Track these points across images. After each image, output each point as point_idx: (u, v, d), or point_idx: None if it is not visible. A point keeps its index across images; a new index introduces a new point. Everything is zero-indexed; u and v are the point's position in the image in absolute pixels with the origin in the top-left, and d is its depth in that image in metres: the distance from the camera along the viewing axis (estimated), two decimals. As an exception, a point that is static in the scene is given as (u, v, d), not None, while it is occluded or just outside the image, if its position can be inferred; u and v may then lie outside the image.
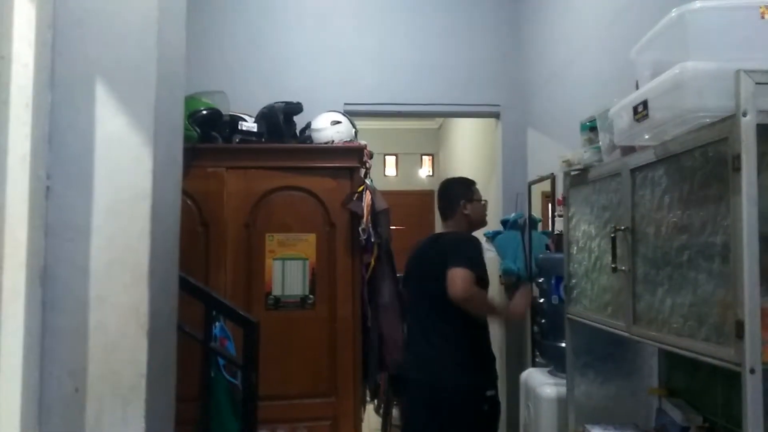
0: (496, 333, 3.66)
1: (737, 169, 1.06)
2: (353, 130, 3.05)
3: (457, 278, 2.43)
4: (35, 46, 1.11)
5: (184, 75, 1.50)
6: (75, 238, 1.19)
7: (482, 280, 2.60)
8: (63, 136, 1.19)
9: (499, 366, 3.56)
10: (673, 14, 1.26)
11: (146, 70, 1.23)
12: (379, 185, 3.15)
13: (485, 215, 2.97)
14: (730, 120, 1.09)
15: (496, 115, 3.57)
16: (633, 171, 1.47)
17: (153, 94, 1.23)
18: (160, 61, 1.25)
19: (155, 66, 1.23)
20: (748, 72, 1.08)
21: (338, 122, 3.00)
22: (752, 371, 1.02)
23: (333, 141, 2.96)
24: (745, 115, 1.07)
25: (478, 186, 3.90)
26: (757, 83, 1.08)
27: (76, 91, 1.20)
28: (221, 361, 2.27)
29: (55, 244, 1.18)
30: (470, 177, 4.46)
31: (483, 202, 2.94)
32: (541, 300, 2.47)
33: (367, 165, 2.99)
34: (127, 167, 1.21)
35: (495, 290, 3.64)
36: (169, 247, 1.41)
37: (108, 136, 1.20)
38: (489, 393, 2.47)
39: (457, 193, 2.90)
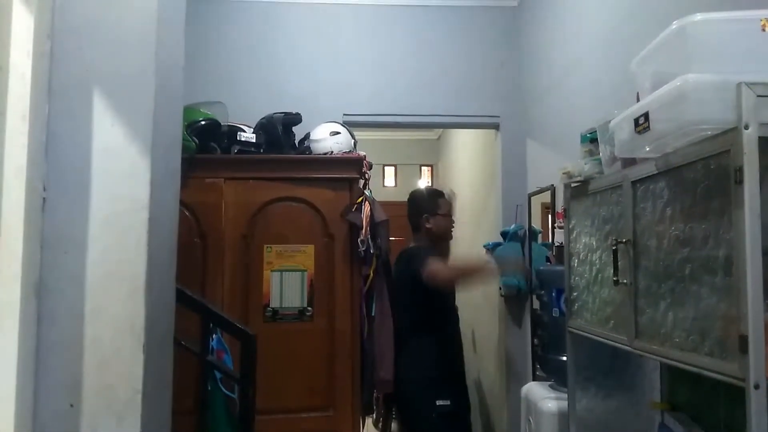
0: (494, 346, 3.64)
1: (739, 181, 1.05)
2: (352, 140, 3.04)
3: (432, 271, 2.67)
4: (33, 56, 1.11)
5: (182, 85, 1.49)
6: (71, 250, 1.17)
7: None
8: (60, 146, 1.18)
9: (499, 379, 3.55)
10: (674, 26, 1.26)
11: (144, 80, 1.22)
12: (379, 196, 3.15)
13: (450, 230, 3.06)
14: (732, 132, 1.09)
15: (496, 126, 3.56)
16: (634, 183, 1.46)
17: (151, 105, 1.22)
18: (159, 71, 1.24)
19: (153, 76, 1.22)
20: (749, 84, 1.08)
21: (337, 133, 2.99)
22: (756, 387, 1.01)
23: (332, 152, 2.95)
24: (746, 127, 1.06)
25: (478, 197, 3.90)
26: (758, 96, 1.08)
27: (73, 102, 1.19)
28: (218, 374, 2.24)
29: (50, 256, 1.17)
30: (468, 188, 4.48)
31: (449, 216, 2.98)
32: (542, 313, 2.46)
33: (366, 176, 2.97)
34: (124, 178, 1.20)
35: (495, 303, 3.63)
36: (166, 260, 1.39)
37: (105, 146, 1.19)
38: (439, 402, 2.68)
39: (421, 206, 2.99)
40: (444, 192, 3.14)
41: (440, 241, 3.06)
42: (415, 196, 3.15)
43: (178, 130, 1.52)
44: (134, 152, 1.20)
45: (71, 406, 1.16)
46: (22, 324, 1.10)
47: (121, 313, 1.19)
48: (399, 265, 3.02)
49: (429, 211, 2.97)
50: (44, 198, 1.17)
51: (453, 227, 3.10)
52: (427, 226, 2.95)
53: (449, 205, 3.07)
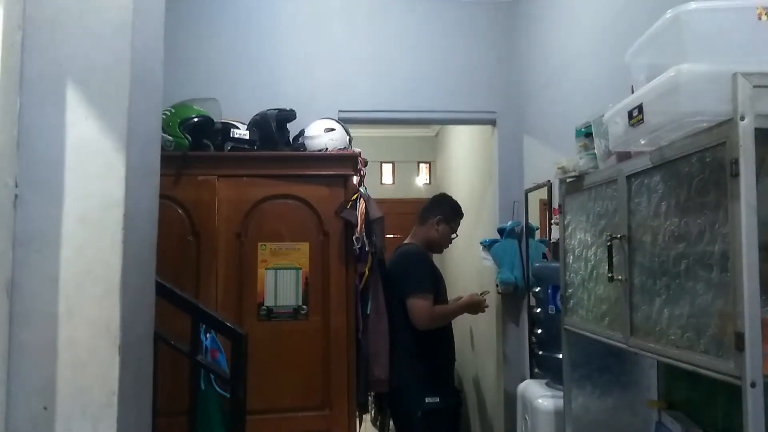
0: (492, 344, 3.61)
1: (735, 174, 1.02)
2: (347, 137, 3.01)
3: (418, 310, 2.79)
4: (3, 48, 1.07)
5: (161, 77, 1.45)
6: (43, 248, 1.14)
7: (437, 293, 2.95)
8: (32, 141, 1.14)
9: (496, 377, 3.52)
10: (668, 16, 1.23)
11: (119, 72, 1.18)
12: (376, 193, 3.12)
13: (446, 245, 3.18)
14: (728, 124, 1.06)
15: (492, 122, 3.53)
16: (629, 177, 1.44)
17: (126, 98, 1.18)
18: (135, 63, 1.21)
19: (128, 68, 1.19)
20: (745, 75, 1.05)
21: (332, 129, 2.96)
22: (753, 385, 0.99)
23: (327, 148, 2.92)
24: (742, 118, 1.03)
25: (475, 194, 3.89)
26: (754, 86, 1.05)
27: (45, 94, 1.15)
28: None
29: (22, 254, 1.13)
30: (465, 185, 4.47)
31: (453, 236, 3.15)
32: (538, 310, 2.43)
33: (362, 172, 2.94)
34: (98, 174, 1.16)
35: (492, 300, 3.59)
36: (144, 258, 1.35)
37: (78, 141, 1.15)
38: (428, 399, 2.73)
39: (442, 209, 3.04)
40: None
41: (432, 247, 3.16)
42: (444, 200, 3.23)
43: (156, 124, 1.48)
44: (109, 147, 1.16)
45: (45, 409, 1.13)
46: (-6, 325, 1.06)
47: (96, 313, 1.15)
48: (393, 261, 3.03)
49: (446, 220, 3.07)
50: (16, 194, 1.13)
51: (448, 246, 3.21)
52: (435, 227, 3.04)
53: (457, 228, 3.17)
